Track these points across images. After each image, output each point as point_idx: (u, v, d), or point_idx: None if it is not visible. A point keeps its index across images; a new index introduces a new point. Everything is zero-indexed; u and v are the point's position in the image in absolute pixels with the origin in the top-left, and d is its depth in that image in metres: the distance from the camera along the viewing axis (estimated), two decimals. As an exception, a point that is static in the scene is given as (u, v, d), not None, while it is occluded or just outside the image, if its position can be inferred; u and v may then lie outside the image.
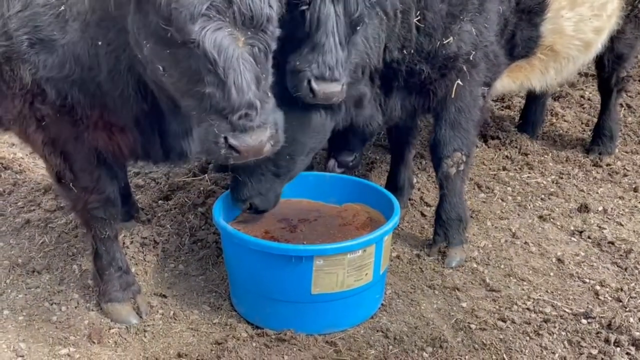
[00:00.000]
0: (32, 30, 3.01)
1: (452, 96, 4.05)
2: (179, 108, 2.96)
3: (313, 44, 3.31)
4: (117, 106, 3.16)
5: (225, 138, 2.69)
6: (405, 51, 3.83)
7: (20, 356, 3.51)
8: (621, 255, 4.46)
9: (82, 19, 2.96)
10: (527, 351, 3.59)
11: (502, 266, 4.33)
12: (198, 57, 2.60)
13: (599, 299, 4.03)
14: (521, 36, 4.35)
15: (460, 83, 4.02)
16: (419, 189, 5.17)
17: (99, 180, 3.47)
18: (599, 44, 4.88)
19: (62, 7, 2.96)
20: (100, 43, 2.98)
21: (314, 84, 3.32)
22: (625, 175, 5.52)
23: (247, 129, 2.69)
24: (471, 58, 3.99)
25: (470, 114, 4.18)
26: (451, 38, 3.86)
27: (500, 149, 5.88)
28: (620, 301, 4.00)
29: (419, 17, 3.78)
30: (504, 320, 3.81)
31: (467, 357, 3.55)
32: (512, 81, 4.76)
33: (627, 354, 3.57)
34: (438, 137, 4.22)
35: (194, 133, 3.05)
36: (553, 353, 3.59)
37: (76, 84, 3.10)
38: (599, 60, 5.42)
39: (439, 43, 3.86)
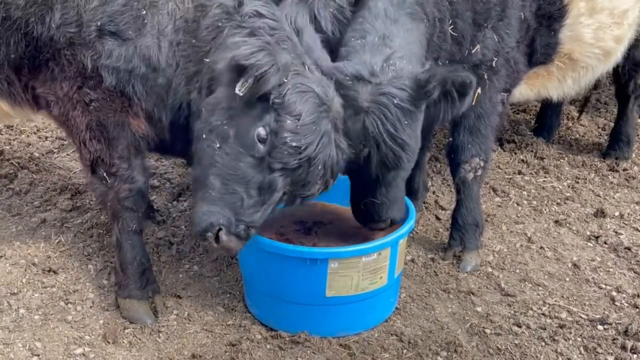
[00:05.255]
0: (106, 23, 3.34)
1: (473, 103, 4.01)
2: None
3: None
4: (162, 107, 3.49)
5: (220, 229, 3.17)
6: (439, 62, 3.76)
7: (36, 355, 3.52)
8: (638, 261, 4.42)
9: (161, 30, 3.35)
10: (542, 357, 3.57)
11: (518, 271, 4.31)
12: (263, 170, 3.15)
13: (615, 305, 4.00)
14: (540, 42, 4.33)
15: (480, 91, 3.98)
16: (433, 192, 5.16)
17: (133, 169, 3.62)
18: (618, 53, 4.82)
19: (144, 12, 3.34)
20: (171, 59, 3.38)
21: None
22: (642, 181, 5.48)
23: (241, 237, 3.21)
24: (493, 65, 3.97)
25: (489, 120, 4.17)
26: (478, 46, 3.83)
27: (515, 153, 5.85)
28: (637, 307, 3.97)
29: (452, 26, 3.74)
30: (519, 326, 3.79)
31: (481, 362, 3.55)
32: (529, 89, 4.73)
33: (644, 361, 3.55)
34: (456, 142, 4.20)
35: (196, 205, 3.33)
36: (569, 359, 3.56)
37: (138, 77, 3.41)
38: (616, 68, 5.38)
39: (467, 52, 3.82)
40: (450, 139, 4.27)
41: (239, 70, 3.03)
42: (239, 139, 3.16)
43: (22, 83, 3.66)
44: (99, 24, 3.34)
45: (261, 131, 3.10)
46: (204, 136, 3.23)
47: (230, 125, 3.17)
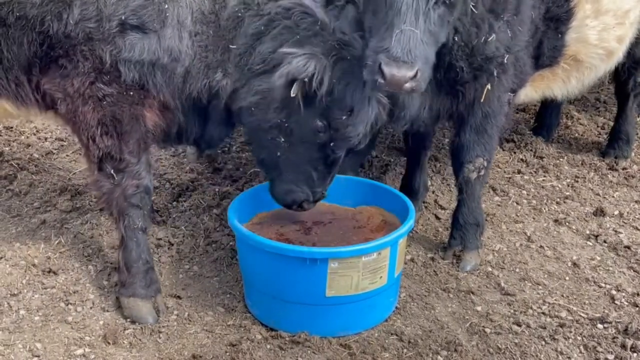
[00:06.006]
0: (129, 16, 3.40)
1: (482, 100, 3.99)
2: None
3: (387, 24, 3.15)
4: (179, 96, 3.61)
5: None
6: (456, 38, 3.65)
7: (36, 356, 3.52)
8: (637, 259, 4.43)
9: (181, 22, 3.46)
10: (542, 356, 3.58)
11: (517, 270, 4.31)
12: (327, 151, 3.68)
13: (615, 303, 4.00)
14: (547, 45, 4.32)
15: (490, 88, 3.95)
16: (433, 192, 5.16)
17: (141, 165, 3.67)
18: (620, 52, 4.84)
19: (166, 6, 3.43)
20: (190, 49, 3.50)
21: (384, 66, 3.11)
22: (641, 179, 5.49)
23: (318, 199, 3.80)
24: (505, 61, 3.91)
25: (495, 119, 4.14)
26: (494, 35, 3.72)
27: (515, 152, 5.86)
28: (637, 306, 3.97)
29: (473, 3, 3.56)
30: (519, 325, 3.79)
31: (482, 361, 3.55)
32: (534, 90, 4.72)
33: (644, 359, 3.55)
34: (462, 141, 4.17)
35: (276, 184, 3.82)
36: (569, 358, 3.57)
37: (159, 68, 3.49)
38: (616, 66, 5.38)
39: (483, 38, 3.71)
40: (455, 138, 4.23)
41: (292, 82, 3.37)
42: (300, 132, 3.56)
43: (33, 84, 3.64)
44: (122, 18, 3.38)
45: (319, 125, 3.52)
46: (265, 130, 3.61)
47: (289, 122, 3.54)
